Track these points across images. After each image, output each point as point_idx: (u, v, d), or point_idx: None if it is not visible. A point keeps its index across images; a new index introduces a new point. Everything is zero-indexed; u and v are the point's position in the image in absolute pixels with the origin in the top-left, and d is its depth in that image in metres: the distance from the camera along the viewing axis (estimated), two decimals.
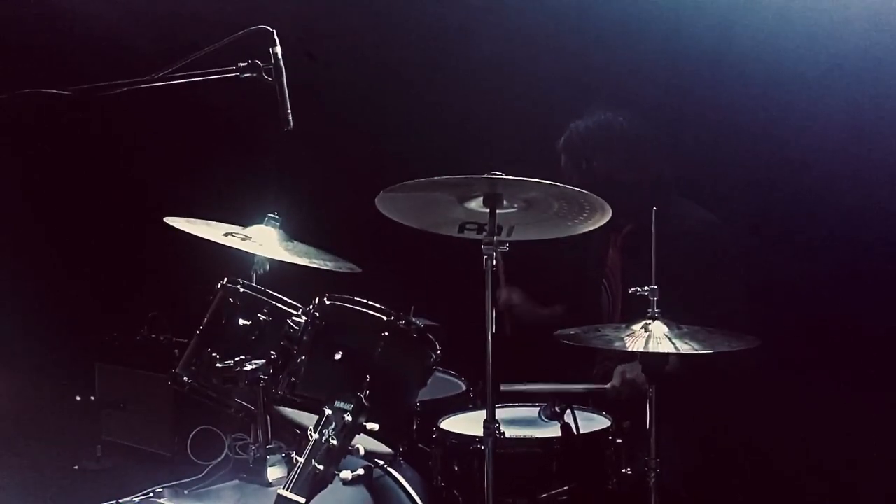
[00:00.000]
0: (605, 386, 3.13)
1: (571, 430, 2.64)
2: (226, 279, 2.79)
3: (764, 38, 3.29)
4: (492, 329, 2.43)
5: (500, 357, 2.45)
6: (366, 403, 2.26)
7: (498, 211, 2.46)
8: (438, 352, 2.61)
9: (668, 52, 3.43)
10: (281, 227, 2.95)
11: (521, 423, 2.84)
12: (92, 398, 4.41)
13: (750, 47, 3.30)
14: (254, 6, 3.59)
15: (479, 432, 2.48)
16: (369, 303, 2.55)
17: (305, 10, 3.89)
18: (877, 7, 3.11)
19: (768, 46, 3.28)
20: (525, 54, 3.70)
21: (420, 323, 2.59)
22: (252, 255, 2.90)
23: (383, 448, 2.54)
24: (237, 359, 2.57)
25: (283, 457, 2.68)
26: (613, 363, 3.21)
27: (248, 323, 2.68)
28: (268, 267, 2.92)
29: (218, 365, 2.61)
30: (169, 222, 2.85)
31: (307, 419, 2.43)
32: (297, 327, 2.54)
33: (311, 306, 2.58)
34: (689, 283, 2.93)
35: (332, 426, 2.20)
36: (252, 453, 2.67)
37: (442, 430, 2.80)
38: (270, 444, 2.68)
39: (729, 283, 3.13)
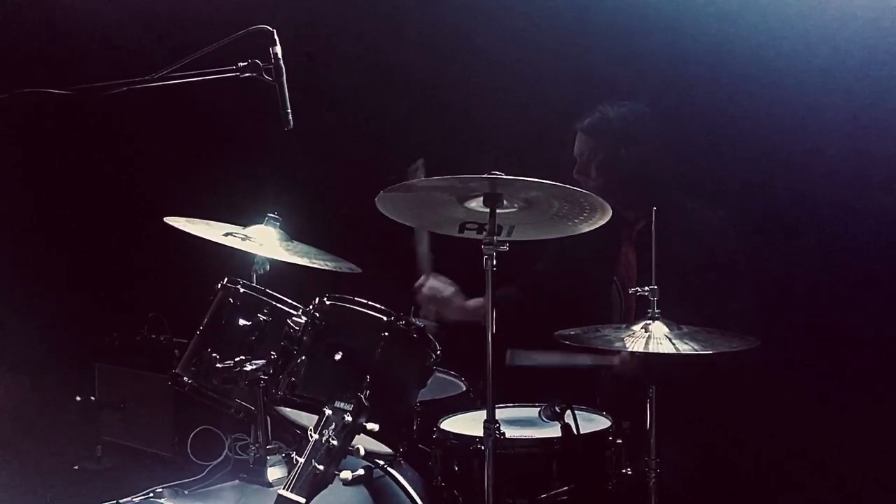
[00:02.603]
0: (614, 361, 3.12)
1: (571, 431, 2.64)
2: (226, 279, 2.78)
3: (764, 37, 3.29)
4: (492, 329, 2.43)
5: (499, 358, 2.45)
6: (366, 404, 2.27)
7: (498, 211, 2.46)
8: (438, 352, 2.61)
9: (669, 51, 3.43)
10: (281, 227, 2.95)
11: (522, 423, 2.83)
12: (92, 398, 4.41)
13: (750, 47, 3.30)
14: (254, 6, 3.59)
15: (480, 432, 2.48)
16: (369, 303, 2.54)
17: (305, 10, 3.89)
18: (876, 7, 3.11)
19: (768, 46, 3.28)
20: (525, 54, 3.70)
21: (420, 323, 2.58)
22: (252, 255, 2.90)
23: (383, 448, 2.53)
24: (237, 359, 2.57)
25: (284, 457, 2.68)
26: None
27: (248, 323, 2.68)
28: (268, 267, 2.92)
29: (218, 365, 2.60)
30: (169, 222, 2.85)
31: (307, 419, 2.43)
32: (297, 327, 2.54)
33: (311, 306, 2.58)
34: (700, 281, 2.93)
35: (333, 426, 2.20)
36: (252, 453, 2.67)
37: (442, 430, 2.80)
38: (270, 444, 2.68)
39: (738, 282, 3.13)
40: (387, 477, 2.67)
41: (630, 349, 2.78)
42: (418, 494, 2.64)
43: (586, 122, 3.30)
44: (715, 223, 3.22)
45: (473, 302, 3.33)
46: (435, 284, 3.34)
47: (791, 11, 3.23)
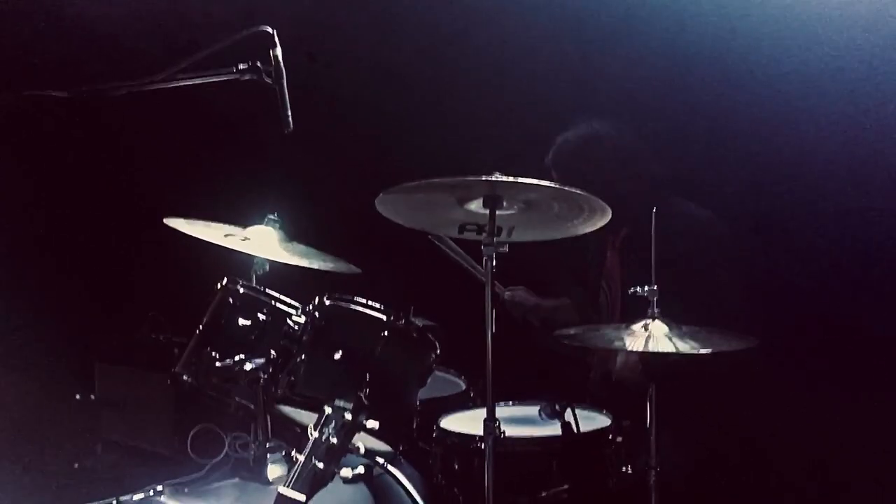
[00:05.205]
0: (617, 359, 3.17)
1: (572, 429, 2.65)
2: (226, 279, 2.79)
3: (764, 37, 3.29)
4: (492, 328, 2.44)
5: (499, 357, 2.45)
6: (365, 402, 2.27)
7: (498, 212, 2.46)
8: (438, 351, 2.61)
9: (669, 52, 3.43)
10: (281, 228, 2.96)
11: (522, 421, 2.84)
12: (92, 397, 4.41)
13: (750, 47, 3.30)
14: (254, 7, 3.59)
15: (480, 431, 2.48)
16: (369, 303, 2.55)
17: (305, 11, 3.89)
18: (877, 7, 3.11)
19: (768, 46, 3.28)
20: (525, 54, 3.70)
21: (420, 323, 2.59)
22: (252, 256, 2.90)
23: (383, 446, 2.54)
24: (237, 358, 2.58)
25: (283, 455, 2.68)
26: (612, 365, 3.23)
27: (248, 323, 2.69)
28: (267, 267, 2.93)
29: (217, 364, 2.61)
30: (169, 223, 2.85)
31: (307, 417, 2.44)
32: (296, 327, 2.54)
33: (310, 306, 2.58)
34: (687, 280, 2.93)
35: (333, 424, 2.21)
36: (252, 452, 2.67)
37: (442, 428, 2.80)
38: (270, 442, 2.68)
39: (728, 280, 3.13)
40: (387, 475, 2.67)
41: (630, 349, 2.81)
42: (418, 492, 2.64)
43: (549, 156, 3.31)
44: (705, 221, 3.22)
45: (549, 302, 3.53)
46: (518, 294, 3.53)
47: (792, 12, 3.24)
